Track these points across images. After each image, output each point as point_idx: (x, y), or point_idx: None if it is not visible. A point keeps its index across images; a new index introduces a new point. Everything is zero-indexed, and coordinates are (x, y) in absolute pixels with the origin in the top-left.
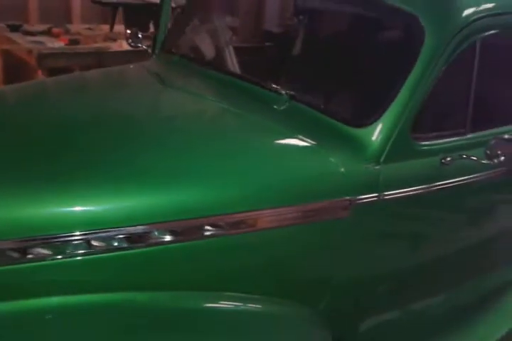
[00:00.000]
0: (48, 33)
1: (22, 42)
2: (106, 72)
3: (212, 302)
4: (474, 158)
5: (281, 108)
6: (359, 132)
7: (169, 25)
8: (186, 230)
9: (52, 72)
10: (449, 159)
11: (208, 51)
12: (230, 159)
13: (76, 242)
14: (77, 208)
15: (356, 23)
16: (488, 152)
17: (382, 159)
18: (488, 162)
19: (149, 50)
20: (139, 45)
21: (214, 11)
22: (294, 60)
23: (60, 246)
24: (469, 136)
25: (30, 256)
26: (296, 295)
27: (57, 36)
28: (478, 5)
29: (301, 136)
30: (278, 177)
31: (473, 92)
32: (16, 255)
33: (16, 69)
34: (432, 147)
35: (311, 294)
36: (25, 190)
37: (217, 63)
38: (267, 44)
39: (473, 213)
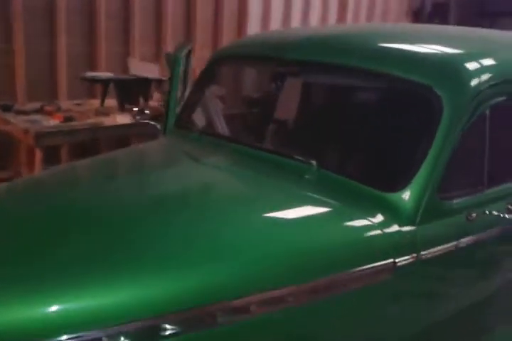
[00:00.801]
0: (40, 111)
1: (17, 122)
2: (130, 153)
3: None
4: (496, 213)
5: (312, 177)
6: (393, 196)
7: (181, 103)
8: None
9: (47, 149)
10: (474, 215)
11: (229, 126)
12: (279, 228)
13: None
14: None
15: (380, 95)
16: (509, 207)
17: (417, 220)
18: (510, 216)
19: (158, 126)
20: (146, 121)
21: (228, 86)
22: (321, 131)
23: None
24: (487, 191)
25: None
26: None
27: (50, 114)
28: (486, 75)
29: (337, 203)
30: (326, 246)
31: (487, 152)
32: None
33: (9, 149)
34: (457, 205)
35: None
36: None
37: (239, 137)
38: (291, 116)
39: (492, 266)
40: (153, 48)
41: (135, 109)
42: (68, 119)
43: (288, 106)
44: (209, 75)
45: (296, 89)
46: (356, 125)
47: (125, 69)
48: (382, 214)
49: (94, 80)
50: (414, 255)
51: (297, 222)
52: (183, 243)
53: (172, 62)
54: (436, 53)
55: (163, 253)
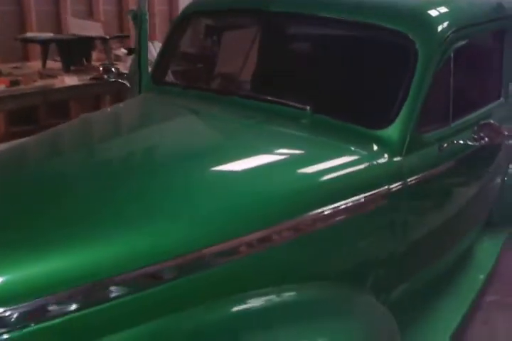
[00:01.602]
0: None
1: None
2: (117, 111)
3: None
4: (462, 142)
5: (308, 121)
6: (382, 132)
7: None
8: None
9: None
10: (445, 145)
11: (214, 78)
12: (280, 168)
13: None
14: None
15: (363, 44)
16: (474, 136)
17: (403, 152)
18: (475, 144)
19: (128, 85)
20: (113, 79)
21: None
22: (311, 78)
23: None
24: (454, 124)
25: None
26: (356, 276)
27: None
28: (449, 22)
29: (334, 141)
30: (328, 178)
31: (452, 90)
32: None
33: None
34: (431, 138)
35: (364, 274)
36: None
37: (228, 89)
38: (283, 63)
39: (462, 185)
40: (86, 7)
41: (101, 68)
42: (15, 83)
43: (274, 56)
44: (181, 30)
45: (282, 40)
46: (344, 72)
47: (57, 29)
48: (374, 148)
49: (34, 41)
50: (403, 182)
51: (298, 160)
52: (163, 196)
53: (139, 18)
54: (408, 4)
55: (144, 208)
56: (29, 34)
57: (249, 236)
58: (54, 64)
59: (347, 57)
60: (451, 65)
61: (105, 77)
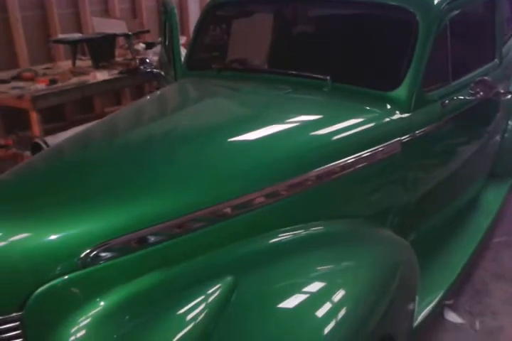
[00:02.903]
0: (18, 78)
1: (5, 90)
2: (160, 98)
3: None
4: (462, 98)
5: (329, 89)
6: (393, 93)
7: (189, 48)
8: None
9: (43, 112)
10: (447, 102)
11: (244, 59)
12: (318, 124)
13: None
14: None
15: (372, 18)
16: (471, 91)
17: (411, 109)
18: (472, 98)
19: (162, 73)
20: (149, 69)
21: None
22: (329, 52)
23: None
24: (453, 83)
25: None
26: (380, 215)
27: (31, 79)
28: None
29: (354, 103)
30: (353, 131)
31: (450, 53)
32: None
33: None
34: (434, 96)
35: (386, 213)
36: None
37: (258, 67)
38: (303, 42)
39: (466, 137)
40: (102, 6)
41: (141, 59)
42: (53, 82)
43: (295, 36)
44: (209, 20)
45: (300, 22)
46: (356, 44)
47: (79, 29)
48: (387, 107)
49: (65, 42)
50: (412, 133)
51: (322, 119)
52: (190, 165)
53: (169, 11)
54: None
55: (181, 171)
56: (60, 36)
57: (279, 185)
58: (81, 62)
59: (358, 31)
60: (448, 32)
61: (141, 67)
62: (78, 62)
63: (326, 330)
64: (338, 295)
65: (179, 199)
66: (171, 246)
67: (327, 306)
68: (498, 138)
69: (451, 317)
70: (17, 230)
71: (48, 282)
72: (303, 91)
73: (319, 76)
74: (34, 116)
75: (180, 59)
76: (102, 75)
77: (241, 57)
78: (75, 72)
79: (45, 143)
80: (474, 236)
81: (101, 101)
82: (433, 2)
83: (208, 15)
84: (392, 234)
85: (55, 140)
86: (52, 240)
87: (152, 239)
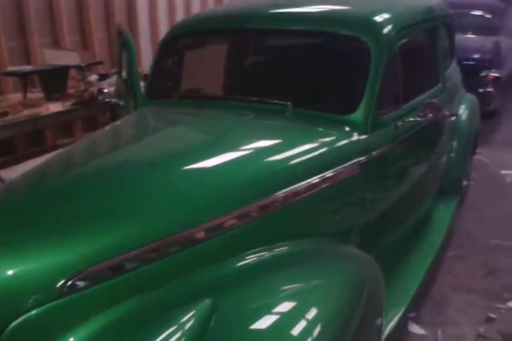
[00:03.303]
0: None
1: None
2: (121, 127)
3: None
4: (412, 119)
5: (290, 114)
6: (350, 117)
7: (150, 77)
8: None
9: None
10: (399, 123)
11: (205, 88)
12: (281, 147)
13: None
14: None
15: (325, 48)
16: (421, 113)
17: (368, 131)
18: (423, 119)
19: (121, 103)
20: (108, 99)
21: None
22: (288, 80)
23: None
24: (404, 106)
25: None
26: (343, 234)
27: None
28: (392, 26)
29: (314, 127)
30: (315, 153)
31: (400, 78)
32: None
33: None
34: (388, 118)
35: (349, 231)
36: None
37: (219, 95)
38: (264, 70)
39: (417, 156)
40: (52, 37)
41: (99, 89)
42: (4, 114)
43: (255, 64)
44: (168, 49)
45: (260, 51)
46: (314, 72)
47: (27, 61)
48: (346, 129)
49: (15, 74)
50: (369, 154)
51: (284, 143)
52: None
53: (126, 40)
54: (358, 13)
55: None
56: (10, 68)
57: (242, 209)
58: (32, 94)
59: (315, 60)
60: (397, 59)
61: (100, 98)
62: (29, 95)
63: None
64: (312, 313)
65: (149, 226)
66: (145, 271)
67: (302, 324)
68: (445, 158)
69: (415, 329)
70: None
71: (24, 313)
72: (265, 116)
73: (280, 102)
74: None
75: (139, 88)
76: (55, 107)
77: (202, 85)
78: (26, 104)
79: None
80: (429, 251)
81: (52, 133)
82: (382, 31)
83: (166, 46)
84: (358, 251)
85: (8, 174)
86: (27, 272)
87: (126, 265)
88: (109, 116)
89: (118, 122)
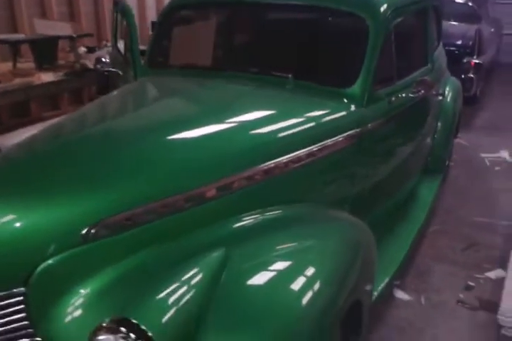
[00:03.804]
0: None
1: None
2: (123, 94)
3: (311, 207)
4: (405, 95)
5: (291, 86)
6: (349, 90)
7: (150, 46)
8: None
9: None
10: (393, 99)
11: (206, 58)
12: (282, 116)
13: None
14: None
15: (326, 23)
16: (414, 90)
17: (364, 104)
18: (415, 95)
19: (120, 73)
20: (106, 68)
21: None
22: (290, 53)
23: None
24: (398, 82)
25: None
26: (336, 203)
27: None
28: (387, 4)
29: (314, 99)
30: (315, 122)
31: (394, 56)
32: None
33: None
34: (382, 93)
35: (341, 200)
36: None
37: (221, 66)
38: (266, 43)
39: (408, 131)
40: (39, 8)
41: (97, 58)
42: None
43: (258, 37)
44: (170, 19)
45: (262, 24)
46: (314, 47)
47: (14, 31)
48: (344, 101)
49: (5, 42)
50: (365, 126)
51: (286, 112)
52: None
53: (126, 11)
54: None
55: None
56: (1, 36)
57: (241, 174)
58: (20, 64)
59: (315, 35)
60: (392, 37)
61: (98, 67)
62: (17, 65)
63: (310, 293)
64: (312, 270)
65: (163, 183)
66: (160, 224)
67: (308, 274)
68: (430, 136)
69: (400, 295)
70: (23, 209)
71: (50, 258)
72: (266, 87)
73: (281, 74)
74: None
75: (139, 58)
76: (47, 77)
77: (202, 56)
78: (17, 73)
79: None
80: (414, 224)
81: (38, 106)
82: (380, 9)
83: (167, 17)
84: (351, 216)
85: (3, 141)
86: (56, 218)
87: (143, 217)
88: (95, 89)
89: (120, 90)
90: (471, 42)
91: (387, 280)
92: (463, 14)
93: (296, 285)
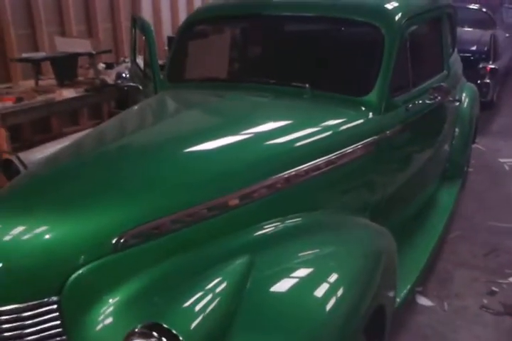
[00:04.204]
0: None
1: None
2: (143, 109)
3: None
4: (421, 102)
5: (309, 96)
6: (366, 98)
7: (170, 61)
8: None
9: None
10: (410, 106)
11: (225, 71)
12: (303, 125)
13: None
14: None
15: (343, 33)
16: (430, 96)
17: (382, 112)
18: (431, 102)
19: (140, 87)
20: (127, 83)
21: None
22: (307, 64)
23: None
24: (414, 90)
25: None
26: (357, 211)
27: None
28: (402, 14)
29: (332, 107)
30: (335, 130)
31: (410, 63)
32: None
33: None
34: (399, 101)
35: (361, 208)
36: None
37: (240, 78)
38: (283, 54)
39: (425, 137)
40: (59, 27)
41: (118, 74)
42: (20, 100)
43: (275, 49)
44: (188, 34)
45: (280, 36)
46: (331, 56)
47: (35, 49)
48: (362, 109)
49: (29, 60)
50: (383, 134)
51: (307, 120)
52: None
53: (145, 27)
54: (371, 1)
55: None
56: (24, 54)
57: (262, 183)
58: (41, 82)
59: (332, 45)
60: (407, 45)
61: (119, 82)
62: (39, 82)
63: (333, 299)
64: (337, 273)
65: (187, 193)
66: (186, 233)
67: (331, 281)
68: (448, 143)
69: (423, 301)
70: (54, 222)
71: (82, 267)
72: (284, 98)
73: (298, 84)
74: (3, 134)
75: (159, 72)
76: (68, 93)
77: (221, 69)
78: (39, 90)
79: (19, 158)
80: (434, 231)
81: (59, 121)
82: (395, 18)
83: (185, 31)
84: (372, 223)
85: (28, 156)
86: (86, 229)
87: (170, 226)
88: (113, 104)
89: (140, 104)
90: (486, 48)
91: (409, 286)
92: (477, 20)
93: (320, 291)
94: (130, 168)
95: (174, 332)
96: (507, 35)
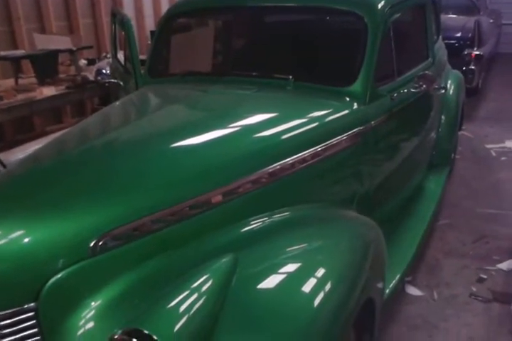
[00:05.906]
0: None
1: None
2: (126, 105)
3: (318, 208)
4: (406, 91)
5: (292, 87)
6: (350, 88)
7: (150, 56)
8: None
9: None
10: (395, 95)
11: (207, 65)
12: (287, 117)
13: None
14: None
15: (325, 23)
16: (415, 85)
17: (366, 102)
18: (417, 90)
19: (121, 83)
20: (107, 80)
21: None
22: (289, 55)
23: None
24: (399, 79)
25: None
26: (344, 202)
27: None
28: (384, 1)
29: (316, 99)
30: (320, 122)
31: (394, 52)
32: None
33: None
34: (384, 90)
35: (349, 199)
36: None
37: (221, 71)
38: (264, 46)
39: (411, 126)
40: (38, 23)
41: (98, 70)
42: None
43: (256, 41)
44: (168, 28)
45: (259, 28)
46: (313, 47)
47: (13, 47)
48: (347, 100)
49: (7, 59)
50: (369, 124)
51: (291, 112)
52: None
53: (125, 22)
54: None
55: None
56: (2, 53)
57: (246, 178)
58: (21, 80)
59: (314, 35)
60: (391, 34)
61: (99, 78)
62: (19, 80)
63: (321, 294)
64: (324, 268)
65: (168, 192)
66: (167, 232)
67: (319, 275)
68: (434, 130)
69: (412, 291)
70: (30, 224)
71: (59, 272)
72: (268, 90)
73: (281, 76)
74: None
75: (140, 67)
76: (48, 91)
77: (203, 62)
78: (19, 89)
79: None
80: (423, 219)
81: (41, 120)
82: (377, 6)
83: (165, 25)
84: (358, 215)
85: (8, 156)
86: (63, 232)
87: (150, 226)
88: (97, 101)
89: (121, 100)
90: (470, 34)
91: (398, 276)
92: (461, 6)
93: (307, 286)
94: (109, 167)
95: (155, 337)
96: (491, 21)
